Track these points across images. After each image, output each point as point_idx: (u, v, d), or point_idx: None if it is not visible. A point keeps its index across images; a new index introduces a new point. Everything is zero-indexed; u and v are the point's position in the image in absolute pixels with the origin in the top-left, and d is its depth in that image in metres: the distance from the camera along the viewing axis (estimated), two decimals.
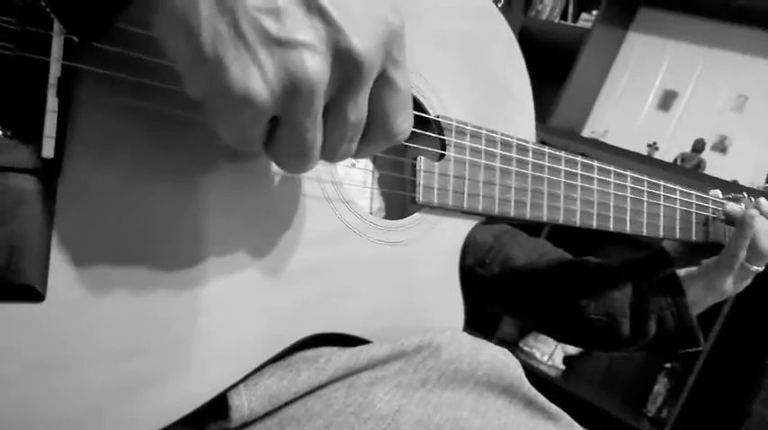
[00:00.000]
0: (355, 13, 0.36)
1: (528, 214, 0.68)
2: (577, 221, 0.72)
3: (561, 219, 0.71)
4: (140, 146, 0.44)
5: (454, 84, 0.66)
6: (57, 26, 0.39)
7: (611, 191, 0.76)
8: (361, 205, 0.62)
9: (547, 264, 0.98)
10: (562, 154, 0.71)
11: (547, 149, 0.70)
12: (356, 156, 0.44)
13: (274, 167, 0.51)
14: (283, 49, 0.35)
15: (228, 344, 0.49)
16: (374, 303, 0.59)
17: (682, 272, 0.90)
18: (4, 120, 0.38)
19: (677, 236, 0.86)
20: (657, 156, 2.92)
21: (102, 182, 0.43)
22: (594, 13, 2.99)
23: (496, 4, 0.73)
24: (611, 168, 0.76)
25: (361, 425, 0.50)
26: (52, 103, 0.40)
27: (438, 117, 0.62)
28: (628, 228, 0.78)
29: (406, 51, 0.41)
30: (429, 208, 0.62)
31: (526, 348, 2.84)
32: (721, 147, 2.84)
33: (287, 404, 0.52)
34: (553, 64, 2.81)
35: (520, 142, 0.67)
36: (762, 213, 0.85)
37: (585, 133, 3.12)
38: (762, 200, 0.88)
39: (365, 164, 0.66)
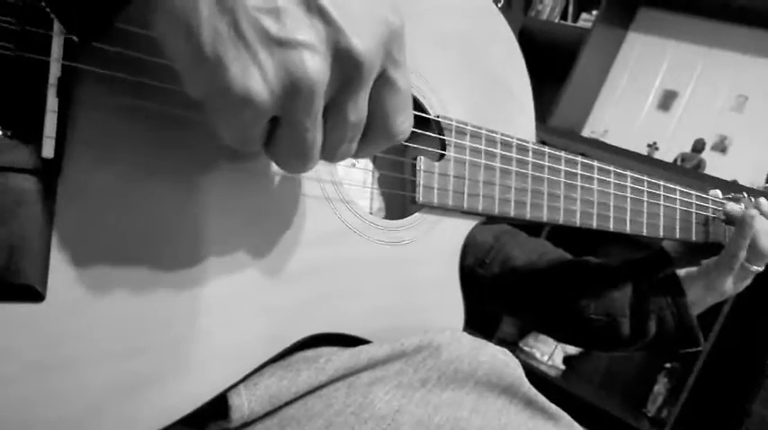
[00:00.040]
0: (355, 13, 0.36)
1: (528, 214, 0.68)
2: (577, 221, 0.72)
3: (561, 220, 0.71)
4: (140, 146, 0.44)
5: (454, 84, 0.66)
6: (56, 26, 0.39)
7: (611, 191, 0.76)
8: (361, 205, 0.62)
9: (547, 264, 0.98)
10: (562, 154, 0.71)
11: (547, 149, 0.70)
12: (356, 156, 0.44)
13: (274, 167, 0.51)
14: (283, 48, 0.35)
15: (228, 344, 0.49)
16: (374, 303, 0.59)
17: (682, 272, 0.90)
18: (4, 120, 0.38)
19: (677, 236, 0.86)
20: (657, 156, 2.92)
21: (103, 182, 0.43)
22: (594, 12, 2.99)
23: (496, 4, 0.73)
24: (611, 168, 0.76)
25: (362, 425, 0.50)
26: (52, 102, 0.40)
27: (438, 117, 0.62)
28: (628, 228, 0.78)
29: (406, 51, 0.41)
30: (429, 208, 0.62)
31: (526, 348, 2.84)
32: (721, 147, 2.84)
33: (287, 404, 0.52)
34: (553, 64, 2.81)
35: (520, 142, 0.67)
36: (762, 213, 0.85)
37: (585, 133, 3.12)
38: (762, 200, 0.88)
39: (365, 164, 0.66)
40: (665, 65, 3.03)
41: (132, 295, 0.44)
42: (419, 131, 0.60)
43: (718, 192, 0.94)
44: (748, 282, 0.88)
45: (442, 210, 0.63)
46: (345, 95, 0.38)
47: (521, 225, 1.02)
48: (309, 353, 0.55)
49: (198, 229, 0.47)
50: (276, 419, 0.51)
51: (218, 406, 0.49)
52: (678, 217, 0.86)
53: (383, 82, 0.40)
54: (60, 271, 0.41)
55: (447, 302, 0.66)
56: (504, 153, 0.66)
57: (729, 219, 0.91)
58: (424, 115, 0.62)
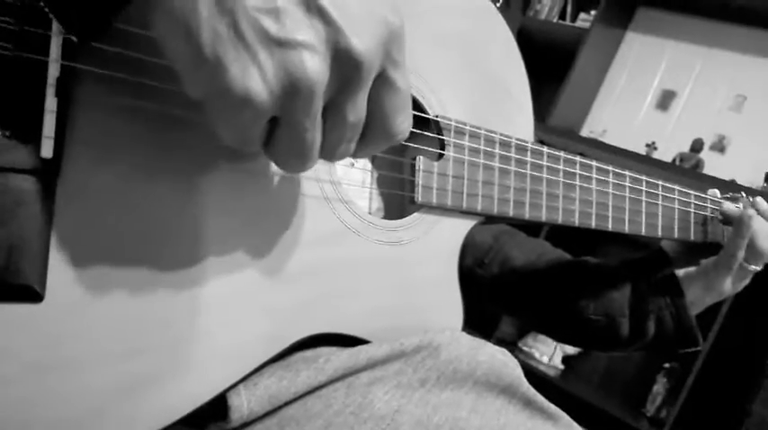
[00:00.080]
0: (355, 14, 0.36)
1: (527, 214, 0.68)
2: (576, 221, 0.72)
3: (560, 219, 0.71)
4: (140, 146, 0.44)
5: (453, 84, 0.66)
6: (55, 26, 0.39)
7: (610, 191, 0.76)
8: (360, 205, 0.62)
9: (546, 264, 0.98)
10: (561, 154, 0.71)
11: (545, 149, 0.70)
12: (355, 155, 0.44)
13: (274, 168, 0.51)
14: (283, 49, 0.35)
15: (228, 344, 0.49)
16: (373, 303, 0.59)
17: (680, 272, 0.90)
18: (2, 120, 0.38)
19: (676, 235, 0.86)
20: (656, 155, 2.93)
21: (102, 182, 0.43)
22: (593, 12, 2.99)
23: (495, 4, 0.73)
24: (610, 168, 0.76)
25: (361, 425, 0.50)
26: (51, 103, 0.40)
27: (437, 117, 0.62)
28: (626, 228, 0.79)
29: (406, 51, 0.41)
30: (428, 208, 0.62)
31: (525, 348, 2.84)
32: (720, 146, 2.84)
33: (286, 404, 0.52)
34: (552, 63, 2.82)
35: (518, 142, 0.67)
36: (759, 213, 0.85)
37: (584, 133, 3.12)
38: (759, 199, 0.88)
39: (364, 164, 0.66)
40: (664, 64, 3.04)
41: (132, 295, 0.44)
42: (418, 131, 0.60)
43: (717, 192, 0.94)
44: (747, 281, 0.88)
45: (441, 209, 0.63)
46: (344, 95, 0.38)
47: (519, 225, 1.02)
48: (309, 353, 0.55)
49: (197, 230, 0.47)
50: (275, 419, 0.51)
51: (218, 406, 0.49)
52: (677, 217, 0.86)
53: (382, 82, 0.40)
54: (59, 271, 0.41)
55: (446, 302, 0.66)
56: (502, 153, 0.66)
57: (726, 219, 0.91)
58: (422, 115, 0.62)
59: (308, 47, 0.35)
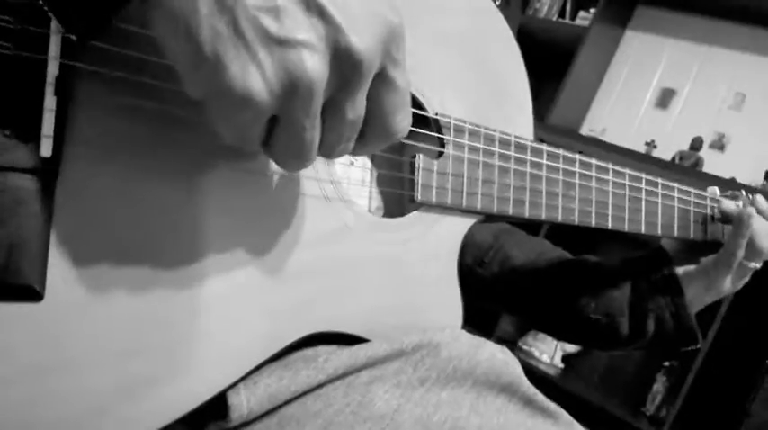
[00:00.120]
0: (354, 12, 0.36)
1: (526, 213, 0.68)
2: (576, 220, 0.72)
3: (560, 218, 0.71)
4: (139, 145, 0.44)
5: (453, 82, 0.66)
6: (54, 25, 0.39)
7: (610, 189, 0.76)
8: (360, 204, 0.62)
9: (546, 263, 0.98)
10: (560, 152, 0.71)
11: (545, 147, 0.70)
12: (354, 153, 0.44)
13: (273, 167, 0.51)
14: (283, 48, 0.35)
15: (228, 343, 0.49)
16: (373, 302, 0.59)
17: (680, 270, 0.90)
18: (1, 119, 0.38)
19: (675, 234, 0.86)
20: (655, 154, 2.93)
21: (101, 181, 0.43)
22: (592, 11, 2.99)
23: (494, 2, 0.73)
24: (609, 166, 0.76)
25: (361, 425, 0.50)
26: (50, 101, 0.40)
27: (436, 115, 0.62)
28: (626, 227, 0.78)
29: (406, 50, 0.41)
30: (427, 206, 0.62)
31: (525, 347, 2.84)
32: (719, 145, 2.84)
33: (286, 403, 0.52)
34: (551, 62, 2.82)
35: (518, 140, 0.67)
36: (759, 211, 0.85)
37: (584, 131, 3.12)
38: (758, 197, 0.88)
39: (364, 162, 0.66)
40: (663, 63, 3.04)
41: (131, 295, 0.44)
42: (417, 130, 0.60)
43: (716, 190, 0.94)
44: (747, 279, 0.88)
45: (441, 208, 0.63)
46: (344, 94, 0.38)
47: (519, 224, 1.02)
48: (308, 352, 0.55)
49: (197, 229, 0.47)
50: (275, 418, 0.51)
51: (218, 405, 0.49)
52: (676, 215, 0.86)
53: (382, 81, 0.40)
54: (59, 270, 0.41)
55: (446, 301, 0.66)
56: (502, 151, 0.66)
57: (725, 217, 0.91)
58: (422, 113, 0.62)
59: (307, 46, 0.35)
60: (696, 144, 2.85)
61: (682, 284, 0.88)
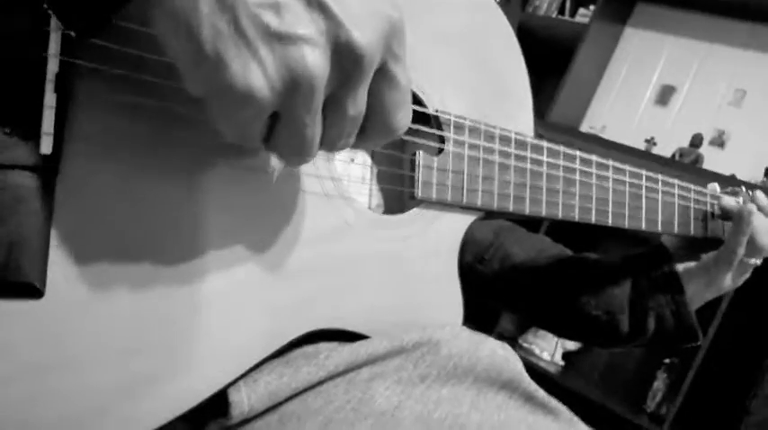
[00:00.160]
0: (355, 8, 0.36)
1: (527, 209, 0.68)
2: (576, 216, 0.72)
3: (560, 215, 0.71)
4: (139, 143, 0.44)
5: (454, 79, 0.66)
6: (54, 22, 0.39)
7: (610, 185, 0.76)
8: (360, 201, 0.62)
9: (546, 260, 0.98)
10: (561, 149, 0.71)
11: (545, 144, 0.70)
12: (355, 148, 0.44)
13: (274, 164, 0.51)
14: (284, 44, 0.35)
15: (228, 340, 0.49)
16: (373, 299, 0.59)
17: (680, 267, 0.90)
18: (1, 116, 0.38)
19: (676, 230, 0.86)
20: (655, 151, 2.93)
21: (101, 179, 0.43)
22: (592, 8, 2.99)
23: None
24: (610, 163, 0.76)
25: (361, 421, 0.50)
26: (50, 99, 0.40)
27: (437, 112, 0.62)
28: (626, 223, 0.78)
29: (406, 47, 0.41)
30: (428, 203, 0.62)
31: (525, 344, 2.85)
32: (719, 141, 2.84)
33: (287, 400, 0.52)
34: (551, 59, 2.81)
35: (518, 137, 0.67)
36: (759, 208, 0.85)
37: (584, 128, 3.12)
38: (759, 194, 0.88)
39: (364, 159, 0.66)
40: (663, 60, 3.03)
41: (132, 292, 0.44)
42: (418, 126, 0.60)
43: (716, 187, 0.94)
44: (747, 275, 0.88)
45: (441, 205, 0.63)
46: (345, 90, 0.38)
47: (519, 220, 1.02)
48: (309, 349, 0.55)
49: (197, 227, 0.47)
50: (276, 416, 0.52)
51: (219, 403, 0.49)
52: (677, 211, 0.86)
53: (383, 76, 0.40)
54: (59, 268, 0.41)
55: (446, 298, 0.66)
56: (502, 148, 0.66)
57: (725, 214, 0.91)
58: (422, 110, 0.62)
59: (308, 41, 0.35)
60: (696, 141, 2.84)
61: (682, 281, 0.88)
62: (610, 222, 0.76)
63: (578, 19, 3.06)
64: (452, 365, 0.55)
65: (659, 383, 2.56)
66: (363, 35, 0.36)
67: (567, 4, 3.14)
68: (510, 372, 0.56)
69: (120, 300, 0.44)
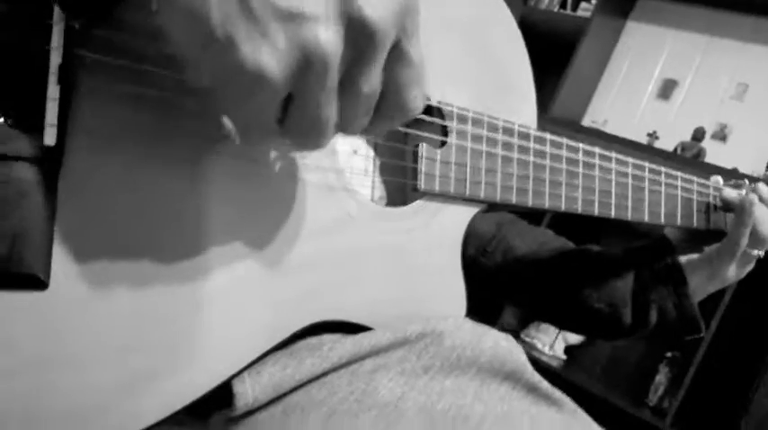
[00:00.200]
0: None
1: (530, 202, 0.68)
2: (579, 208, 0.72)
3: (563, 207, 0.71)
4: (142, 134, 0.44)
5: (456, 72, 0.66)
6: (57, 13, 0.39)
7: (613, 178, 0.76)
8: (363, 193, 0.62)
9: (549, 253, 0.98)
10: (564, 141, 0.71)
11: (548, 136, 0.70)
12: (368, 132, 0.43)
13: (276, 156, 0.51)
14: (294, 23, 0.34)
15: (230, 335, 0.49)
16: (376, 291, 0.59)
17: (683, 259, 0.90)
18: (4, 108, 0.38)
19: (678, 223, 0.86)
20: (657, 145, 2.92)
21: (104, 171, 0.43)
22: (594, 2, 2.98)
23: None
24: (613, 155, 0.76)
25: (365, 413, 0.50)
26: (53, 90, 0.40)
27: (439, 103, 0.62)
28: (629, 215, 0.78)
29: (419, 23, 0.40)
30: (431, 195, 0.62)
31: (527, 339, 2.85)
32: (721, 135, 2.84)
33: (291, 391, 0.52)
34: (552, 54, 2.80)
35: (521, 129, 0.67)
36: (761, 199, 0.85)
37: (586, 123, 3.12)
38: (761, 185, 0.88)
39: (366, 151, 0.66)
40: (665, 53, 3.03)
41: (133, 289, 0.44)
42: (421, 117, 0.60)
43: (719, 179, 0.94)
44: (751, 266, 0.88)
45: (444, 197, 0.63)
46: (359, 68, 0.37)
47: (522, 213, 1.02)
48: (313, 340, 0.55)
49: (200, 220, 0.47)
50: (280, 407, 0.52)
51: (223, 394, 0.50)
52: (679, 204, 0.86)
53: (397, 54, 0.39)
54: (61, 265, 0.41)
55: (449, 290, 0.66)
56: (505, 140, 0.66)
57: (726, 206, 0.91)
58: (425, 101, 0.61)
59: (319, 19, 0.34)
60: (698, 135, 2.84)
61: (685, 273, 0.88)
62: (612, 214, 0.76)
63: (580, 13, 3.06)
64: (456, 356, 0.55)
65: (661, 377, 2.57)
66: (376, 11, 0.35)
67: None
68: (513, 363, 0.56)
69: (120, 296, 0.44)
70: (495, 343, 0.57)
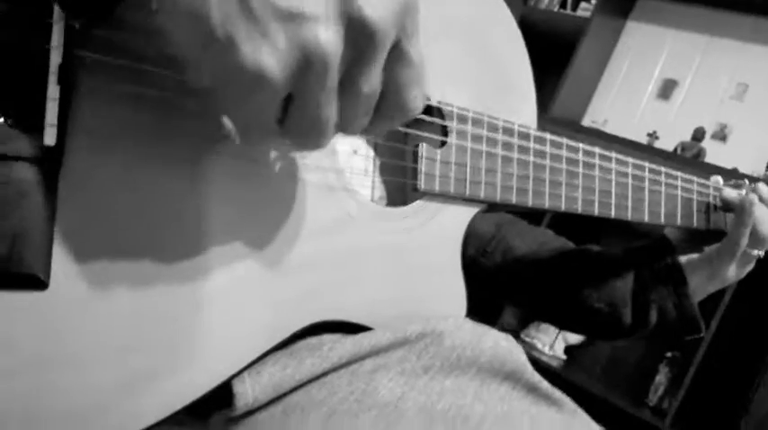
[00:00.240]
0: None
1: (530, 202, 0.68)
2: (579, 208, 0.72)
3: (563, 207, 0.71)
4: (142, 134, 0.44)
5: (456, 72, 0.66)
6: (57, 13, 0.39)
7: (613, 178, 0.76)
8: (363, 193, 0.62)
9: (548, 253, 0.98)
10: (564, 141, 0.71)
11: (548, 136, 0.70)
12: (368, 132, 0.43)
13: (277, 156, 0.51)
14: (294, 22, 0.34)
15: (230, 335, 0.49)
16: (376, 291, 0.59)
17: (683, 259, 0.90)
18: (4, 108, 0.38)
19: (678, 223, 0.86)
20: (657, 145, 2.92)
21: (104, 171, 0.43)
22: (593, 1, 2.98)
23: None
24: (613, 155, 0.76)
25: (365, 412, 0.50)
26: (53, 90, 0.40)
27: (439, 103, 0.62)
28: (629, 215, 0.78)
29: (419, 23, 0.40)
30: (431, 195, 0.62)
31: (527, 339, 2.85)
32: (721, 135, 2.84)
33: (291, 391, 0.52)
34: (552, 54, 2.80)
35: (521, 129, 0.67)
36: (761, 199, 0.85)
37: (585, 123, 3.12)
38: (761, 185, 0.88)
39: (366, 151, 0.66)
40: (665, 53, 3.03)
41: (133, 289, 0.44)
42: (421, 117, 0.60)
43: (719, 179, 0.94)
44: (751, 266, 0.88)
45: (444, 197, 0.63)
46: (359, 68, 0.37)
47: (521, 212, 1.02)
48: (313, 340, 0.55)
49: (200, 221, 0.47)
50: (280, 407, 0.52)
51: (223, 394, 0.50)
52: (679, 204, 0.86)
53: (397, 54, 0.39)
54: (60, 265, 0.41)
55: (449, 290, 0.66)
56: (505, 140, 0.66)
57: (726, 206, 0.91)
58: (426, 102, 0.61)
59: (319, 19, 0.34)
60: (698, 135, 2.84)
61: (685, 273, 0.88)
62: (612, 214, 0.76)
63: (580, 13, 3.06)
64: (456, 356, 0.55)
65: (661, 377, 2.57)
66: (376, 11, 0.35)
67: None
68: (513, 364, 0.56)
69: (120, 296, 0.44)
70: (496, 343, 0.57)
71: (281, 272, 0.52)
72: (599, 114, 3.13)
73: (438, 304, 0.64)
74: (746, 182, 0.93)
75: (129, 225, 0.44)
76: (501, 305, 2.77)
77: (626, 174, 0.78)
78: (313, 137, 0.40)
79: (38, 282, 0.40)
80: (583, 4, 3.08)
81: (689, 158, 2.77)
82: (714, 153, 2.79)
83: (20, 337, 0.40)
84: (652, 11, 3.10)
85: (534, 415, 0.53)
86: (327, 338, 0.56)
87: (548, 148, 0.69)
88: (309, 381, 0.53)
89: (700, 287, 0.89)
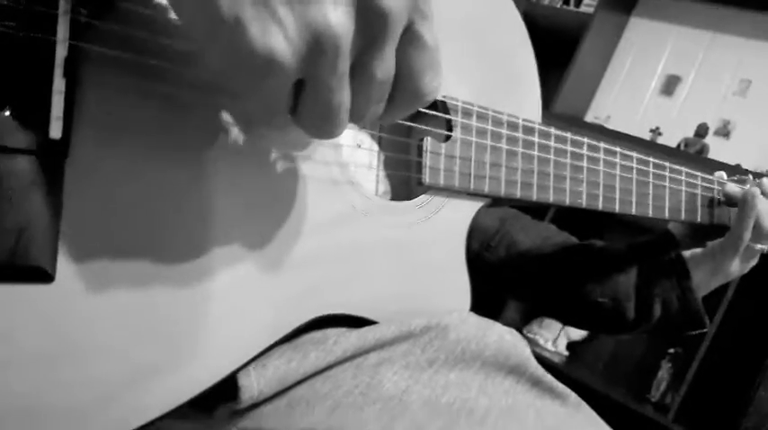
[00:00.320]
0: None
1: (534, 196, 0.68)
2: (583, 203, 0.72)
3: (567, 201, 0.71)
4: (147, 127, 0.44)
5: (461, 66, 0.66)
6: (62, 5, 0.39)
7: (617, 172, 0.76)
8: (367, 187, 0.62)
9: (552, 247, 0.98)
10: (568, 135, 0.71)
11: (553, 130, 0.69)
12: (383, 119, 0.42)
13: (281, 151, 0.51)
14: (303, 4, 0.33)
15: (233, 331, 0.49)
16: (380, 286, 0.59)
17: (687, 254, 0.90)
18: (11, 101, 0.38)
19: (683, 217, 0.86)
20: (660, 141, 2.92)
21: (109, 164, 0.43)
22: None
23: None
24: (617, 149, 0.76)
25: (370, 406, 0.50)
26: (59, 83, 0.40)
27: (444, 97, 0.62)
28: (633, 210, 0.78)
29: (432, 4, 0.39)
30: (435, 190, 0.62)
31: (530, 335, 2.85)
32: (724, 131, 2.83)
33: (296, 385, 0.52)
34: (555, 49, 2.80)
35: (526, 123, 0.67)
36: (763, 193, 0.85)
37: (588, 119, 3.11)
38: (765, 180, 0.88)
39: (371, 145, 0.66)
40: (668, 50, 3.02)
41: (138, 281, 0.44)
42: (425, 111, 0.60)
43: (723, 174, 0.94)
44: (755, 261, 0.88)
45: (449, 191, 0.63)
46: (372, 52, 0.36)
47: (525, 208, 1.02)
48: (317, 334, 0.55)
49: (204, 214, 0.47)
50: (285, 400, 0.52)
51: (228, 387, 0.50)
52: (684, 199, 0.86)
53: (410, 37, 0.38)
54: (68, 253, 0.41)
55: (453, 285, 0.66)
56: (510, 134, 0.66)
57: (729, 201, 0.90)
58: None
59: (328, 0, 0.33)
60: (701, 131, 2.84)
61: (688, 267, 0.88)
62: (617, 209, 0.76)
63: (583, 8, 3.05)
64: (460, 350, 0.55)
65: (663, 373, 2.56)
66: None
67: None
68: (518, 357, 0.56)
69: (123, 292, 0.44)
70: (500, 336, 0.57)
71: (283, 269, 0.52)
72: (602, 110, 3.12)
73: (442, 299, 0.64)
74: (750, 177, 0.93)
75: (133, 218, 0.44)
76: (504, 300, 2.77)
77: (630, 169, 0.77)
78: (327, 125, 0.38)
79: (44, 275, 0.40)
80: (586, 0, 3.08)
81: (692, 154, 2.76)
82: (717, 149, 2.79)
83: (22, 330, 0.40)
84: (655, 7, 3.09)
85: (539, 408, 0.53)
86: (332, 332, 0.56)
87: (552, 143, 0.69)
88: (314, 375, 0.53)
89: (703, 282, 0.89)
